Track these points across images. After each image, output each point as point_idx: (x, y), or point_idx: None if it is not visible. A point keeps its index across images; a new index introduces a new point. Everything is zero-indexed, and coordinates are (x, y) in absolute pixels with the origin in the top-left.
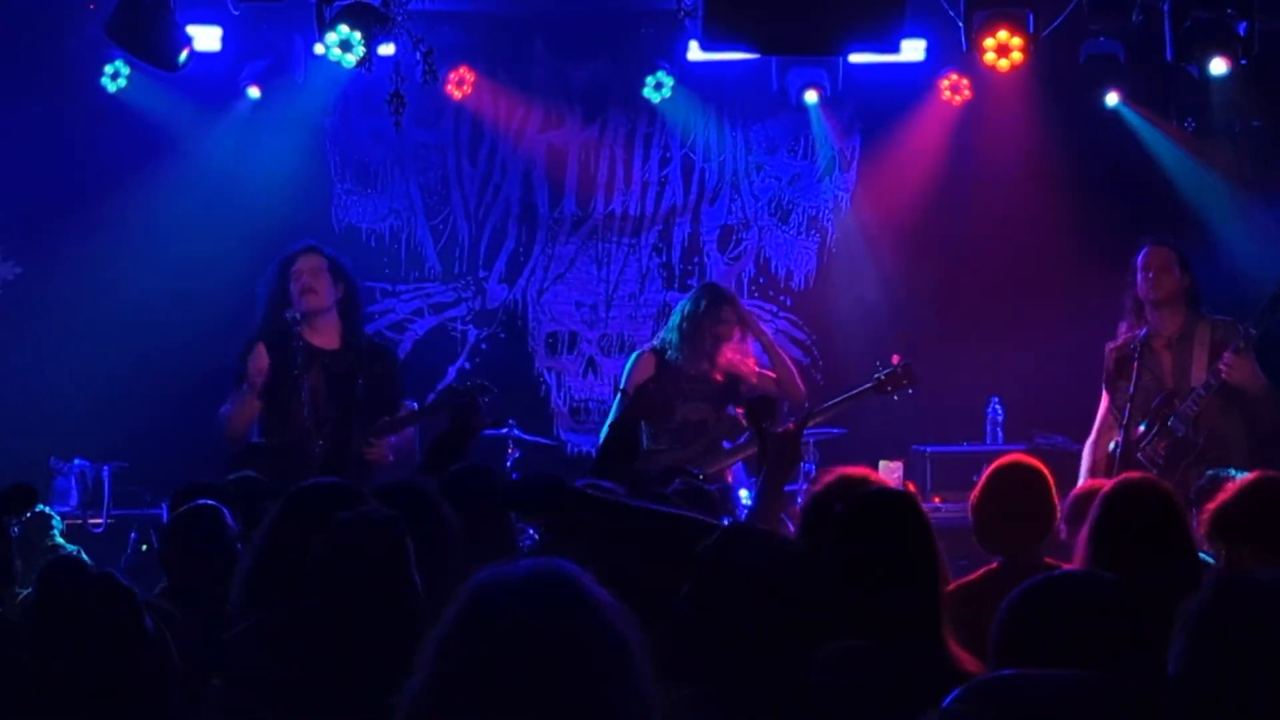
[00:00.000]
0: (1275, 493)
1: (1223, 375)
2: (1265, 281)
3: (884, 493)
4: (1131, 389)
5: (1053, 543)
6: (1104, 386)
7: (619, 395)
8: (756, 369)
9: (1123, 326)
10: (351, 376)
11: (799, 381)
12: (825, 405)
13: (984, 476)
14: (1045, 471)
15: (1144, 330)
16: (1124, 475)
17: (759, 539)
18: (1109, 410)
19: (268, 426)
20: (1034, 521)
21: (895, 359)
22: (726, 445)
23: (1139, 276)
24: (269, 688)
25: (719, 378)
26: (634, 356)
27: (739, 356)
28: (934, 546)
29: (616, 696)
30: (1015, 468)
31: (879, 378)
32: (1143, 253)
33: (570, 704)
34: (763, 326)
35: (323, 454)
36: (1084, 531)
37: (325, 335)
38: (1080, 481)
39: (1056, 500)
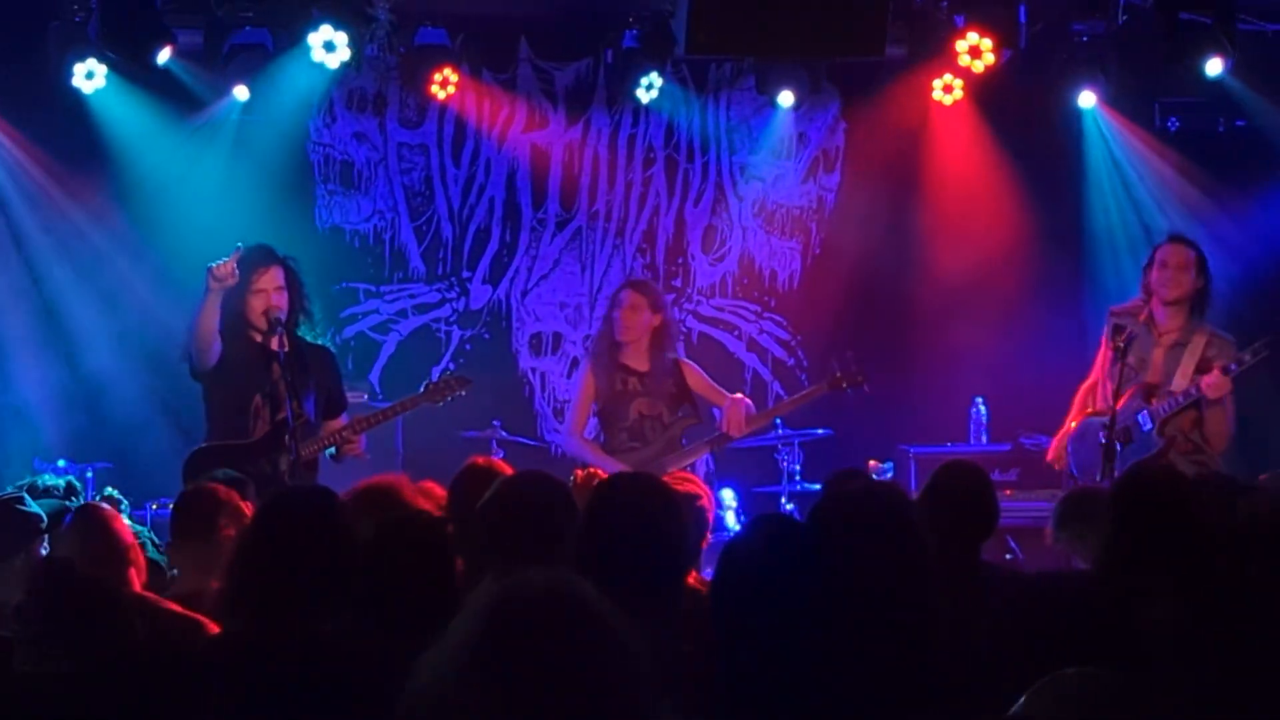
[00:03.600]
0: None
1: (1203, 391)
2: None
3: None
4: (1119, 369)
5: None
6: (1100, 347)
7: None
8: (707, 381)
9: (1134, 300)
10: (303, 378)
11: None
12: (780, 404)
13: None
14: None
15: (1147, 319)
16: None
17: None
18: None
19: (222, 426)
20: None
21: (849, 355)
22: (685, 443)
23: (1155, 270)
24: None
25: (665, 373)
26: (581, 363)
27: (686, 362)
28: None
29: (623, 710)
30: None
31: (833, 375)
32: (1165, 248)
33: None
34: (676, 317)
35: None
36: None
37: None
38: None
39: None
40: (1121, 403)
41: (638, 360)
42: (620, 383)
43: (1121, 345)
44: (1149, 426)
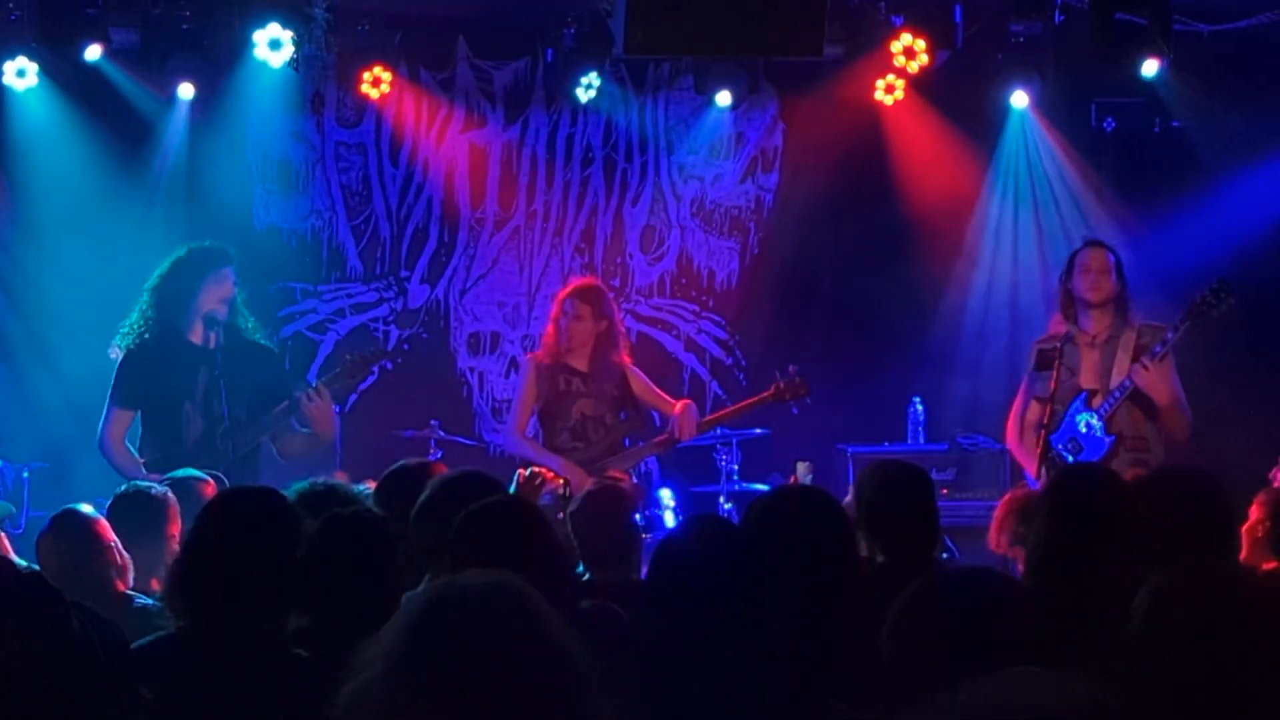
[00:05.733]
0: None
1: (1134, 377)
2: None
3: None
4: (1052, 385)
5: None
6: (1024, 379)
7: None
8: (650, 386)
9: (1053, 321)
10: (238, 377)
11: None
12: (721, 413)
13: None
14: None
15: (1071, 329)
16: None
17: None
18: (1026, 405)
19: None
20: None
21: (791, 369)
22: (627, 444)
23: (1078, 277)
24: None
25: (608, 377)
26: (523, 362)
27: (631, 367)
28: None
29: (562, 711)
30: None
31: (777, 385)
32: (1083, 252)
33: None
34: (621, 319)
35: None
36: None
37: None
38: (1030, 476)
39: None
40: (1062, 410)
41: (580, 361)
42: (563, 383)
43: (1053, 358)
44: (1097, 427)
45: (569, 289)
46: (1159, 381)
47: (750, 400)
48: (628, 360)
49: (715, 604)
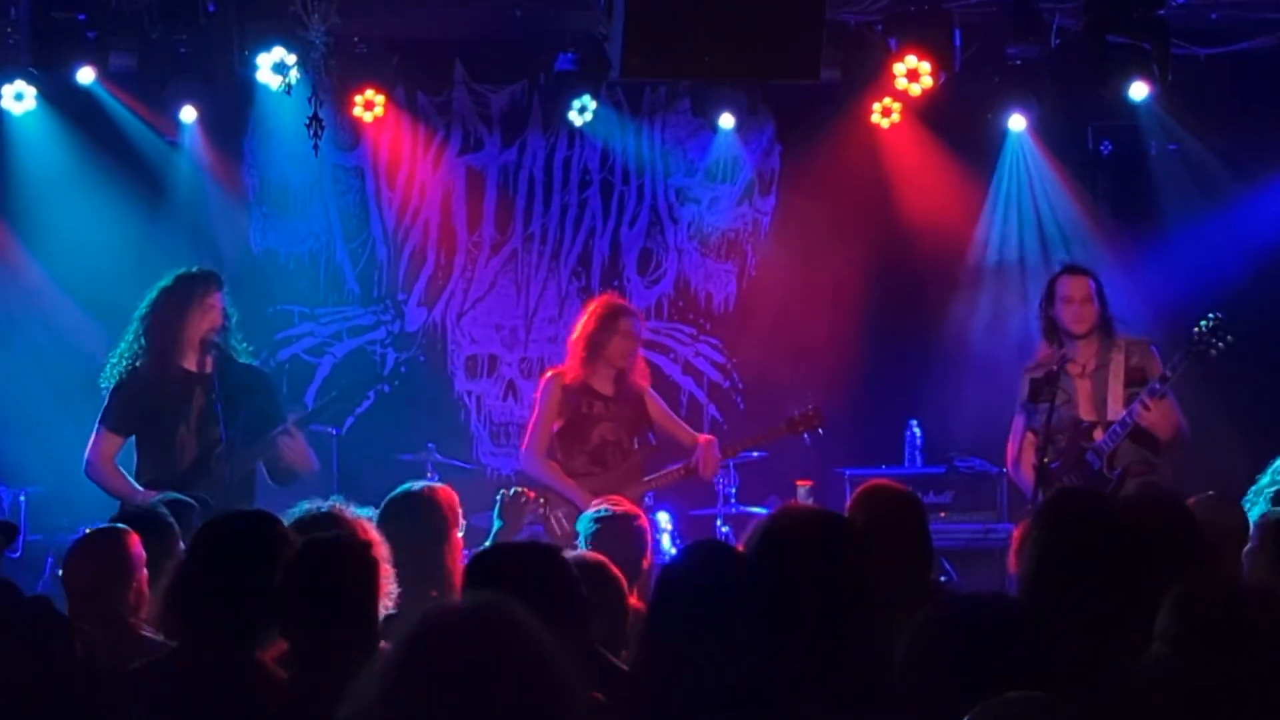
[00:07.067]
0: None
1: (1137, 418)
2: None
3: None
4: (1047, 417)
5: None
6: (1018, 410)
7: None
8: (666, 412)
9: (1040, 349)
10: (233, 401)
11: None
12: (735, 443)
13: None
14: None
15: (1060, 357)
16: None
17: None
18: (1023, 436)
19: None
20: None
21: (810, 404)
22: (647, 475)
23: (1060, 307)
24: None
25: (630, 402)
26: (543, 383)
27: (649, 391)
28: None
29: None
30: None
31: (792, 417)
32: (1064, 281)
33: None
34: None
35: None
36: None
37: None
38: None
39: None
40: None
41: (603, 384)
42: (586, 405)
43: (1045, 389)
44: (1098, 465)
45: (623, 308)
46: (1161, 419)
47: (768, 434)
48: (646, 384)
49: (720, 634)
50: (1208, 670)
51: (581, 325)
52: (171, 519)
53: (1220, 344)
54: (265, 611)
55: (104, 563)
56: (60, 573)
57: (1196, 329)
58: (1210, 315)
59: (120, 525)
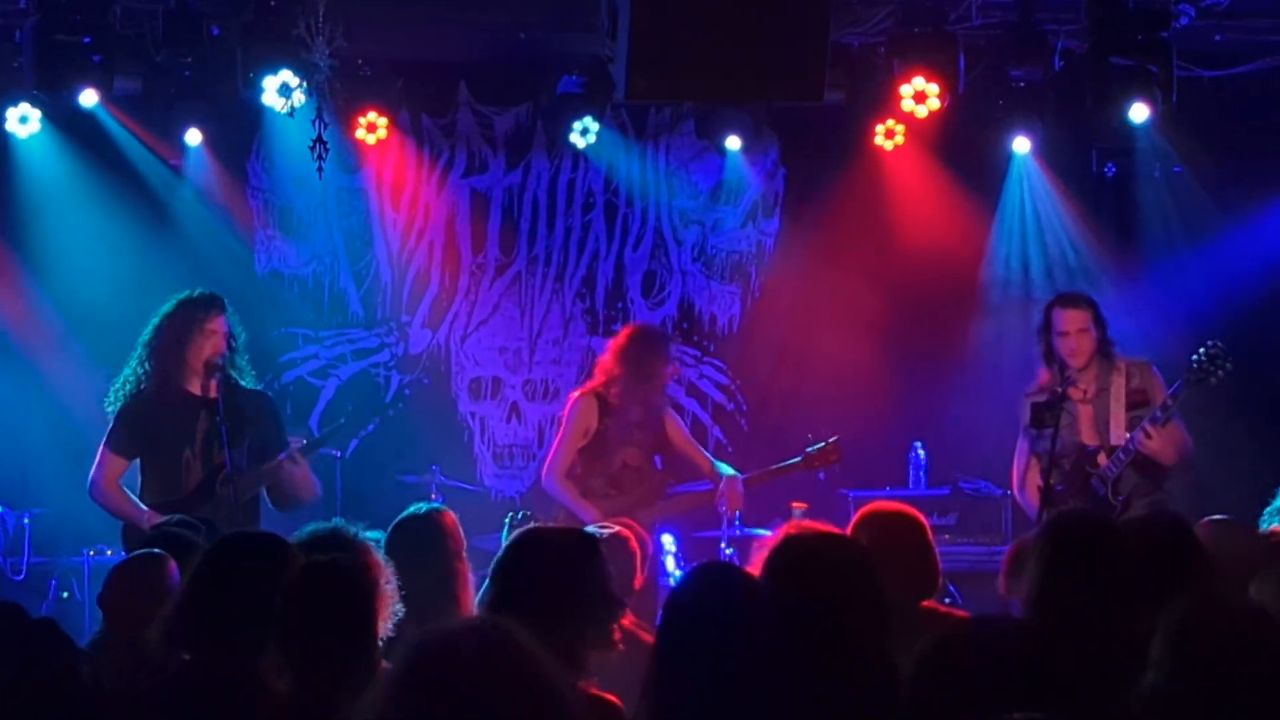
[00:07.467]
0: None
1: (1140, 446)
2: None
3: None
4: (1051, 443)
5: None
6: (1021, 435)
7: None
8: (685, 435)
9: (1041, 374)
10: (238, 425)
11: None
12: (751, 475)
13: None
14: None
15: (1061, 382)
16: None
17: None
18: (1027, 463)
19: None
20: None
21: (828, 440)
22: (662, 499)
23: (1056, 339)
24: None
25: (653, 425)
26: (575, 401)
27: (670, 413)
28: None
29: None
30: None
31: (808, 452)
32: (1059, 314)
33: None
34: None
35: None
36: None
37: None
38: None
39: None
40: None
41: (631, 407)
42: (615, 428)
43: (1048, 415)
44: (1102, 492)
45: (666, 335)
46: (1164, 446)
47: (785, 469)
48: (667, 406)
49: (729, 656)
50: (1200, 700)
51: (622, 349)
52: (199, 540)
53: (1220, 372)
54: (271, 631)
55: (144, 587)
56: (98, 595)
57: (1195, 357)
58: (1209, 343)
59: (157, 550)
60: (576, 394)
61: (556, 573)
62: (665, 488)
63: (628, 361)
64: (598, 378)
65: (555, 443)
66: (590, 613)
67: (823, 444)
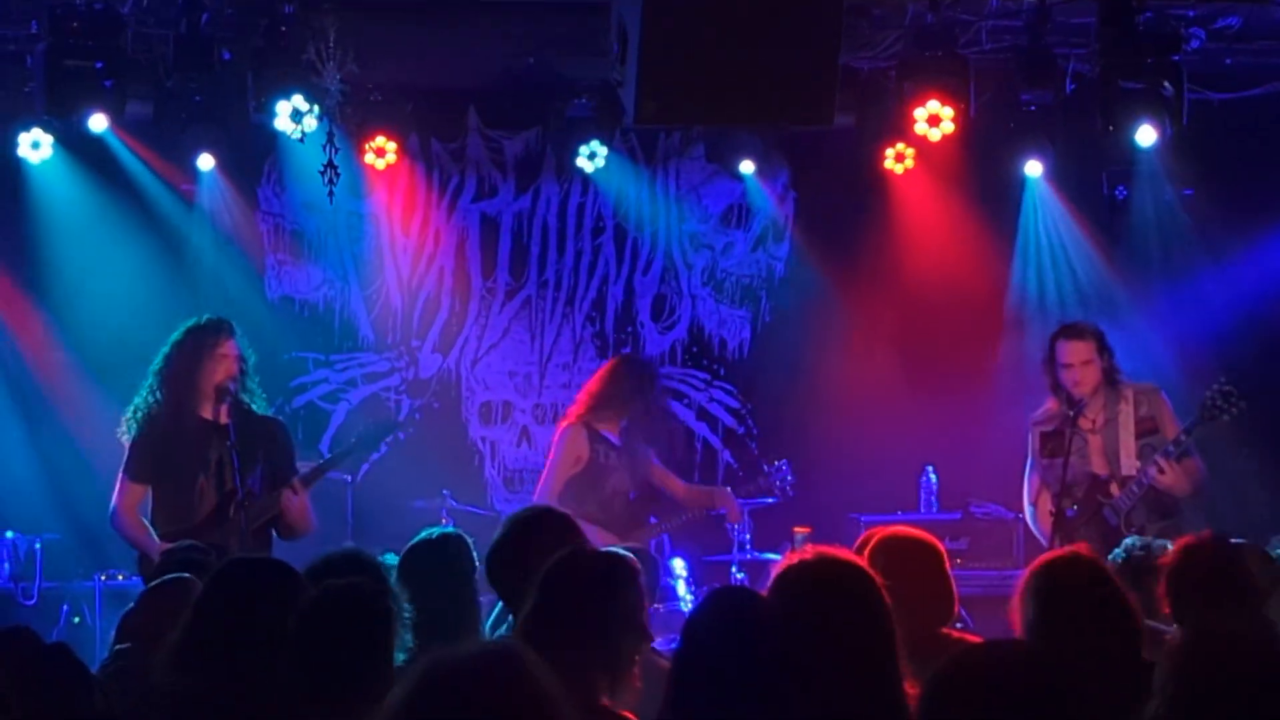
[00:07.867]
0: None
1: (1153, 481)
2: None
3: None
4: (1062, 472)
5: None
6: (1030, 462)
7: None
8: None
9: (1049, 402)
10: (250, 450)
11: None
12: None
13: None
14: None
15: (1071, 411)
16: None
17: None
18: (1038, 492)
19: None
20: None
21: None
22: (653, 520)
23: (1060, 371)
24: None
25: (633, 449)
26: (565, 430)
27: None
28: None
29: None
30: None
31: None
32: (1061, 346)
33: None
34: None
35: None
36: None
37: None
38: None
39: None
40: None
41: (614, 433)
42: (602, 455)
43: (1058, 446)
44: (1115, 522)
45: (655, 369)
46: (1180, 479)
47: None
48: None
49: (745, 681)
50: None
51: (609, 378)
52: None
53: (1234, 409)
54: (279, 655)
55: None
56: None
57: (1207, 395)
58: (1219, 381)
59: (187, 575)
60: (564, 424)
61: (599, 594)
62: (646, 511)
63: (614, 391)
64: (584, 405)
65: (545, 472)
66: (625, 635)
67: (769, 475)
